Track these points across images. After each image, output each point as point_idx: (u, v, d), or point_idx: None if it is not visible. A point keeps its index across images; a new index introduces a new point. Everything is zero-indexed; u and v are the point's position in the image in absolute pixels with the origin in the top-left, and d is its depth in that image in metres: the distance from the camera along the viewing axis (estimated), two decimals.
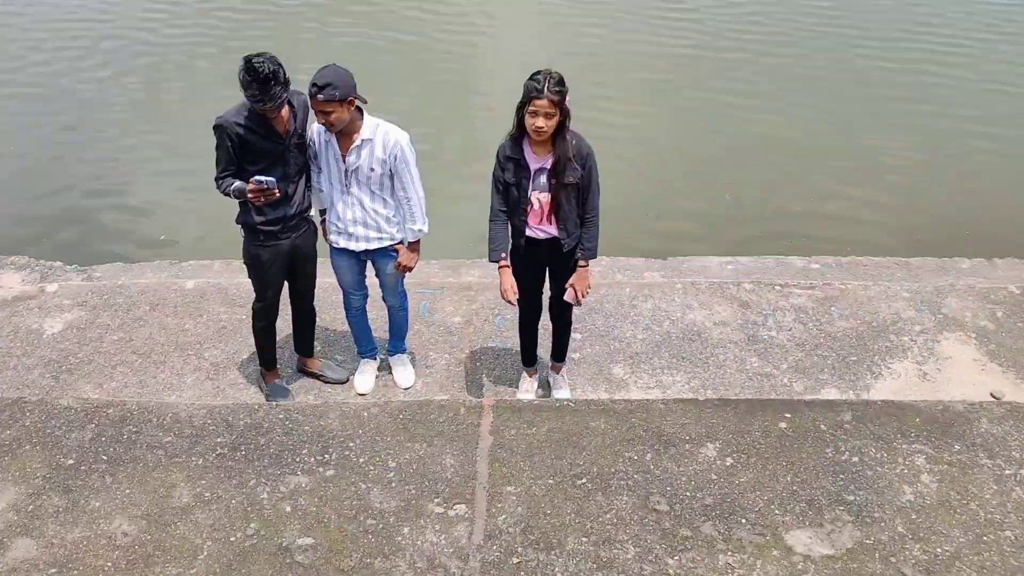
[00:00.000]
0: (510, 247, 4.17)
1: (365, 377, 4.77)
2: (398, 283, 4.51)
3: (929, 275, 5.83)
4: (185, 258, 6.22)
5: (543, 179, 3.94)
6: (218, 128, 3.90)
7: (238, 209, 4.15)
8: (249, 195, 3.89)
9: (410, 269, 4.33)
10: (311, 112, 4.04)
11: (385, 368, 4.88)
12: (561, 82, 3.72)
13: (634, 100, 9.20)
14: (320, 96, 3.75)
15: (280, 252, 4.21)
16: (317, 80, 3.75)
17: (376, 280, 4.53)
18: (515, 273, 4.29)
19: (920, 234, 7.00)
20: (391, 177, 4.11)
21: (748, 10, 11.67)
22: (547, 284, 4.38)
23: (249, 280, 4.40)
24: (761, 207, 7.40)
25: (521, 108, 3.79)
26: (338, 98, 3.76)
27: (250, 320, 4.72)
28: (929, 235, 6.96)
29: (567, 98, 3.75)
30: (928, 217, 7.28)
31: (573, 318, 4.54)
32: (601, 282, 5.55)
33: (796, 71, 9.90)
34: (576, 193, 3.98)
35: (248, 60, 3.66)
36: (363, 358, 4.83)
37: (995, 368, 4.77)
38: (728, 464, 3.89)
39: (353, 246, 4.25)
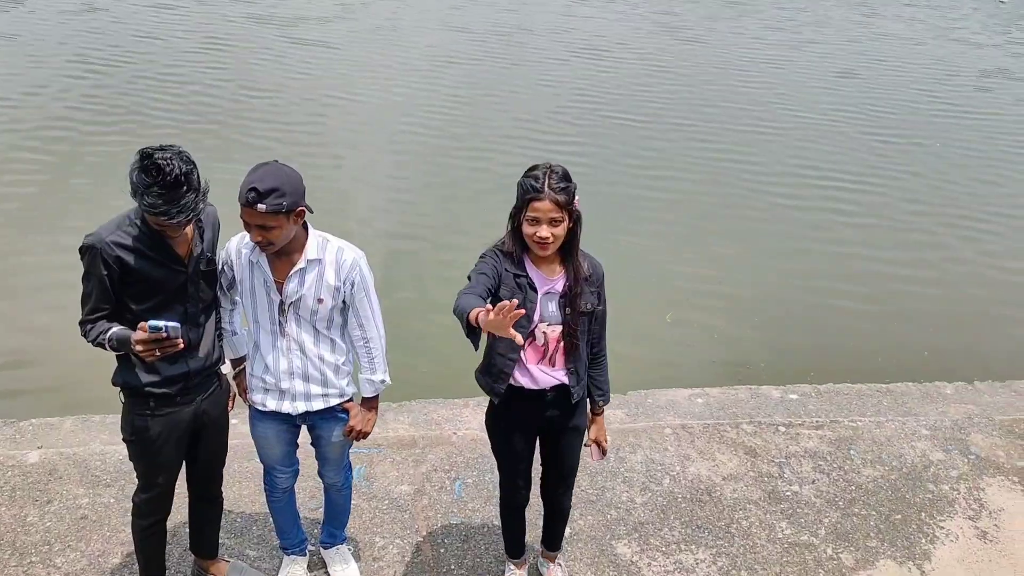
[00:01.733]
0: (490, 406, 3.22)
1: None
2: (344, 453, 3.33)
3: (918, 402, 5.22)
4: (23, 415, 4.74)
5: (552, 306, 2.95)
6: (89, 250, 2.70)
7: (113, 355, 2.88)
8: (137, 348, 2.66)
9: (366, 435, 3.18)
10: (219, 229, 2.96)
11: (317, 565, 3.62)
12: (567, 177, 2.83)
13: None
14: (262, 205, 2.65)
15: (178, 423, 2.97)
16: (258, 183, 2.66)
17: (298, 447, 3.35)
18: (496, 436, 3.26)
19: (874, 362, 6.51)
20: (342, 311, 3.02)
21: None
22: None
23: (123, 453, 3.10)
24: (705, 333, 6.73)
25: (516, 215, 2.87)
26: (285, 208, 2.69)
27: (121, 507, 3.39)
28: (881, 362, 6.48)
29: (576, 198, 2.85)
30: (873, 344, 6.81)
31: None
32: None
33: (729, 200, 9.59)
34: (588, 326, 3.04)
35: (147, 155, 2.54)
36: (288, 554, 3.54)
37: None
38: None
39: (288, 408, 3.06)
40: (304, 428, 3.23)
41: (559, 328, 2.97)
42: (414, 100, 11.48)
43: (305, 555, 3.57)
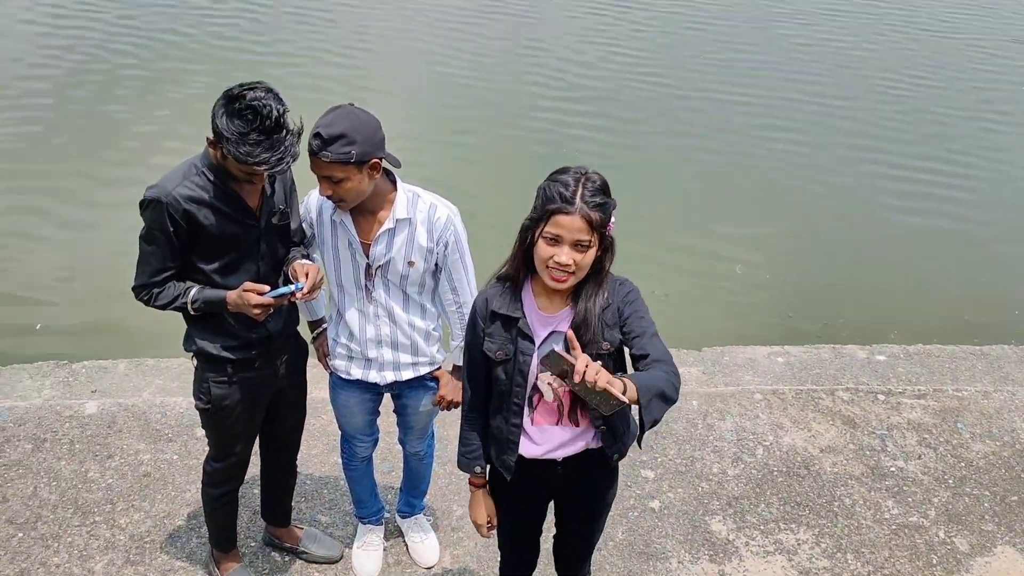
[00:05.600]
0: (491, 467, 2.48)
1: (370, 554, 3.27)
2: (430, 422, 3.08)
3: (1016, 367, 4.87)
4: (76, 356, 4.55)
5: (557, 350, 2.15)
6: (153, 204, 2.39)
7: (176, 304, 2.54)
8: (255, 312, 2.43)
9: (458, 404, 2.90)
10: (291, 176, 2.64)
11: (393, 534, 3.41)
12: (605, 190, 2.12)
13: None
14: (326, 154, 2.33)
15: (258, 390, 2.73)
16: (323, 128, 2.34)
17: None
18: (501, 508, 2.53)
19: (959, 318, 6.12)
20: (434, 274, 2.71)
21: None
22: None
23: (183, 406, 2.91)
24: (777, 285, 6.35)
25: (529, 230, 2.15)
26: (355, 159, 2.36)
27: (184, 464, 3.19)
28: (968, 319, 6.09)
29: (612, 220, 2.14)
30: (957, 298, 6.40)
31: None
32: None
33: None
34: (614, 360, 2.25)
35: (238, 96, 2.22)
36: (364, 523, 3.33)
37: None
38: None
39: (376, 377, 2.79)
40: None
41: None
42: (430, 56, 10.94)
43: (381, 524, 3.36)
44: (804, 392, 4.33)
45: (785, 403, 4.25)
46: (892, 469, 3.86)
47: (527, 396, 2.29)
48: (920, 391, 4.38)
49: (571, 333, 2.04)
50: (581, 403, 2.25)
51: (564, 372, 1.93)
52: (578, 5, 12.01)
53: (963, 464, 3.91)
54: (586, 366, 1.88)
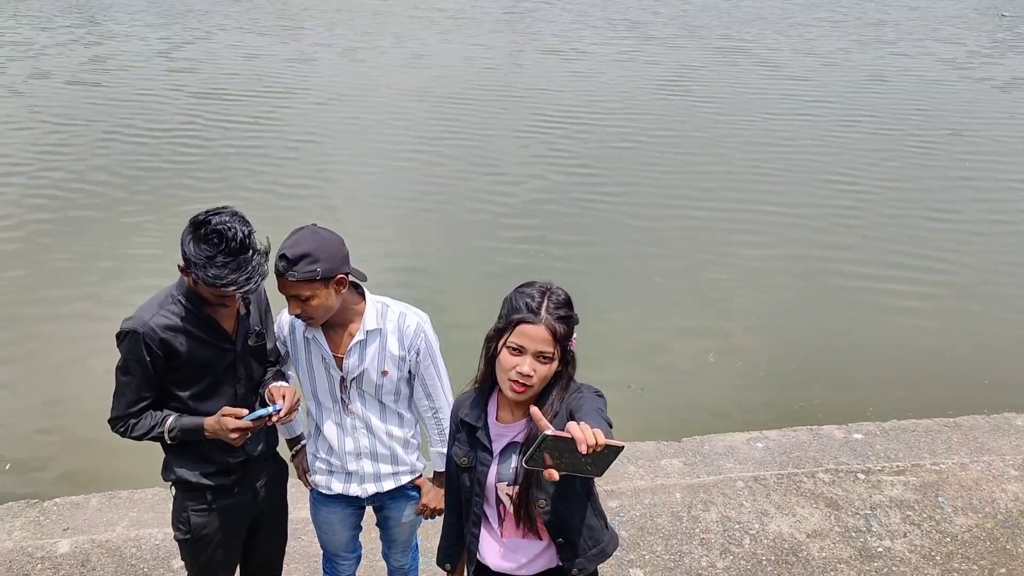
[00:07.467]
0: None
1: None
2: (413, 534, 3.05)
3: (990, 436, 4.94)
4: (47, 494, 4.44)
5: (514, 461, 2.22)
6: (129, 336, 2.42)
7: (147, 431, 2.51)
8: (233, 437, 2.42)
9: (440, 512, 2.88)
10: (265, 297, 2.70)
11: None
12: (570, 304, 2.16)
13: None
14: (292, 273, 2.41)
15: (237, 515, 2.69)
16: (288, 249, 2.43)
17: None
18: None
19: (931, 392, 6.22)
20: (408, 381, 2.75)
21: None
22: None
23: (158, 538, 2.84)
24: (751, 371, 6.43)
25: (494, 340, 2.18)
26: (321, 276, 2.43)
27: None
28: (939, 393, 6.19)
29: (575, 335, 2.17)
30: (929, 374, 6.52)
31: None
32: (640, 485, 4.26)
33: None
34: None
35: (203, 222, 2.30)
36: None
37: None
38: None
39: (357, 491, 2.78)
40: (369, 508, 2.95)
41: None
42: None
43: None
44: (785, 476, 4.34)
45: (768, 489, 4.25)
46: (879, 550, 3.85)
47: (484, 506, 2.27)
48: (899, 467, 4.41)
49: (535, 409, 2.00)
50: (527, 511, 2.19)
51: (545, 461, 1.85)
52: (527, 129, 12.45)
53: (948, 539, 3.91)
54: (582, 432, 1.80)
